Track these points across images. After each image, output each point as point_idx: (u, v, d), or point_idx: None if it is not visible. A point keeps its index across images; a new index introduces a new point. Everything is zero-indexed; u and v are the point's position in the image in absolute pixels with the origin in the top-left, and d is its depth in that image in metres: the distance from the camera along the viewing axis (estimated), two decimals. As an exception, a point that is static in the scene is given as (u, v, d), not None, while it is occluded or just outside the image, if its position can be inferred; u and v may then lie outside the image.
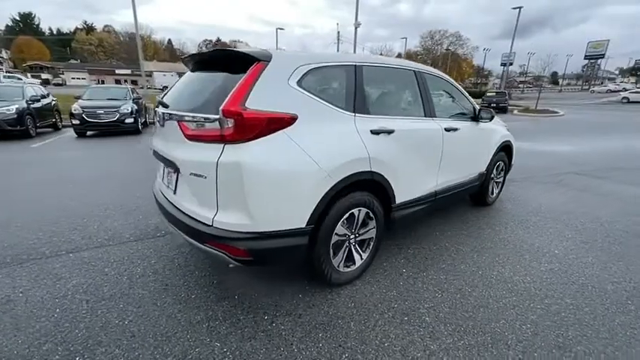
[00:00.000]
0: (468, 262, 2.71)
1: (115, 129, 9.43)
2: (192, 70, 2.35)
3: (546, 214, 3.81)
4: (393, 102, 2.65)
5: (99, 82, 53.49)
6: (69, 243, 2.87)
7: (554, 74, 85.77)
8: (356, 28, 19.90)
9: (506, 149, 4.02)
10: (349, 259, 2.29)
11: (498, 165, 3.95)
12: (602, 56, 59.74)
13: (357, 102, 2.20)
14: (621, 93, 30.63)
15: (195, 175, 1.80)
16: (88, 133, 9.50)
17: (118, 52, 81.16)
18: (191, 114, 1.83)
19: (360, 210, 2.21)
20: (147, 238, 2.98)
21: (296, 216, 1.86)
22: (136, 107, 10.05)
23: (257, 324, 1.93)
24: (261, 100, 1.72)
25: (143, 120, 11.22)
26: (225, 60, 1.95)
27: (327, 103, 2.02)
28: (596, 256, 2.83)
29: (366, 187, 2.21)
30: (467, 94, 3.37)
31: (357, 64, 2.27)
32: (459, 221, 3.56)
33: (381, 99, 2.51)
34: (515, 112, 22.30)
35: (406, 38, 50.64)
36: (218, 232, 1.76)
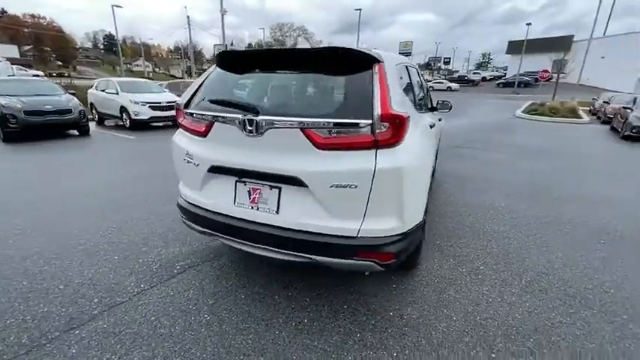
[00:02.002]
0: (466, 223, 3.39)
1: None
2: (243, 69, 1.99)
3: (472, 178, 5.02)
4: (419, 98, 2.96)
5: None
6: (52, 318, 1.94)
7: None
8: (222, 15, 18.75)
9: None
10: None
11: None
12: (410, 54, 76.86)
13: (416, 99, 2.41)
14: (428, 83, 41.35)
15: (339, 186, 1.64)
16: None
17: None
18: (327, 120, 1.63)
19: (425, 197, 2.47)
20: (165, 281, 2.33)
21: (422, 210, 1.98)
22: None
23: (391, 322, 1.97)
24: (395, 102, 1.72)
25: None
26: (329, 59, 1.77)
27: (410, 101, 2.15)
28: (526, 203, 4.02)
29: None
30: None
31: (405, 63, 2.46)
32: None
33: (416, 95, 2.78)
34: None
35: (264, 28, 51.15)
36: (369, 242, 1.70)
